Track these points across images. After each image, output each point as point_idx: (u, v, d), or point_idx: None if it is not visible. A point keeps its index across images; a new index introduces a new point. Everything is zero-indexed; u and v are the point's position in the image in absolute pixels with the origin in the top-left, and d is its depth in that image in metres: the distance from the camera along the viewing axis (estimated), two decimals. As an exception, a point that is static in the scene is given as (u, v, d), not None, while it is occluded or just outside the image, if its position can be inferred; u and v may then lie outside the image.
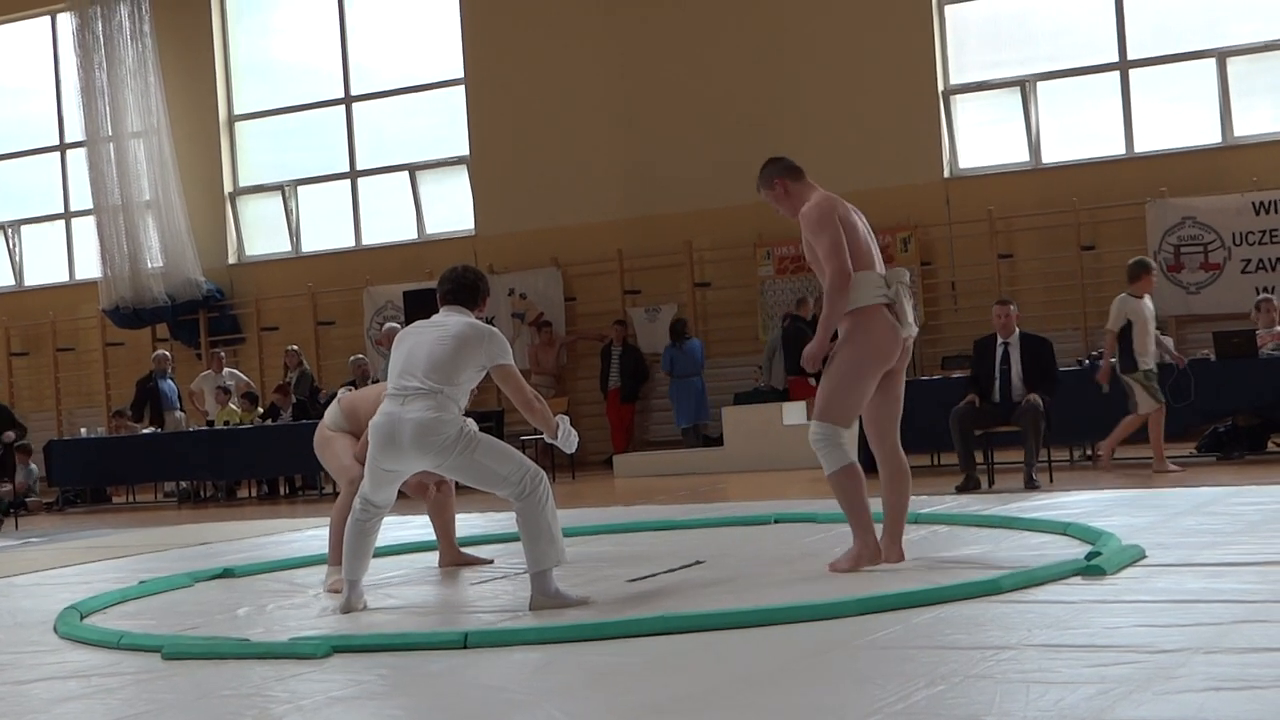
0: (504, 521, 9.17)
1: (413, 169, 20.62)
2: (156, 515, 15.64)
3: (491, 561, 7.80)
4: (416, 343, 6.22)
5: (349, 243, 21.14)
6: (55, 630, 6.37)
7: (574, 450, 6.62)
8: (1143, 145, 17.13)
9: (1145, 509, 8.32)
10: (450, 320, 6.29)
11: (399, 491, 6.46)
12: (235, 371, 19.42)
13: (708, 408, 17.68)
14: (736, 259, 18.50)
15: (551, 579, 6.09)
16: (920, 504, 9.58)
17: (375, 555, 6.66)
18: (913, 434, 13.07)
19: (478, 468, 6.09)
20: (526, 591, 6.15)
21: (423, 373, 6.10)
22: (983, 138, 17.88)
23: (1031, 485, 10.61)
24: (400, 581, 7.37)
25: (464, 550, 7.89)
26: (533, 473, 6.09)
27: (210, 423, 18.06)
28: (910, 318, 6.52)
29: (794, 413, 15.56)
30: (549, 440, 6.45)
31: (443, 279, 6.47)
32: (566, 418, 6.49)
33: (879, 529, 6.63)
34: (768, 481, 13.40)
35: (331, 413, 7.52)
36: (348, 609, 6.34)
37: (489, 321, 6.51)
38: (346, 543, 6.39)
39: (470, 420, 6.24)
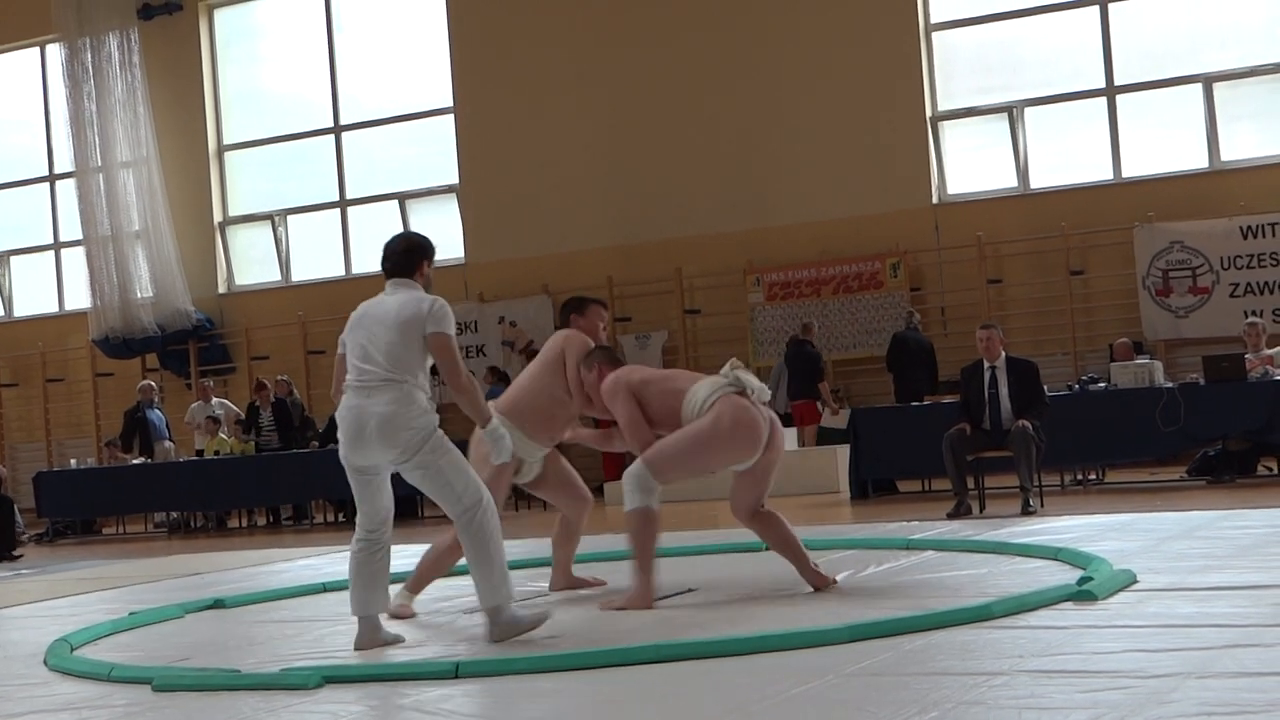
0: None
1: (402, 198, 20.65)
2: (147, 546, 15.59)
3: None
4: (371, 332, 6.02)
5: (339, 272, 21.14)
6: (45, 663, 6.34)
7: (502, 460, 6.25)
8: (1130, 170, 17.20)
9: (1136, 533, 8.33)
10: (393, 300, 6.06)
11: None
12: (225, 401, 19.38)
13: None
14: (726, 286, 18.51)
15: (507, 608, 5.92)
16: (912, 529, 9.60)
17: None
18: (904, 459, 13.28)
19: (438, 475, 5.88)
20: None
21: (384, 362, 5.91)
22: (971, 164, 17.94)
23: (1028, 510, 10.60)
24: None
25: (576, 575, 7.76)
26: (488, 500, 5.92)
27: (200, 452, 18.02)
28: (756, 387, 6.58)
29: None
30: (480, 430, 6.14)
31: (383, 255, 6.25)
32: (499, 422, 6.18)
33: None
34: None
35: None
36: (362, 646, 6.09)
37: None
38: (349, 575, 6.16)
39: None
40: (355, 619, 6.15)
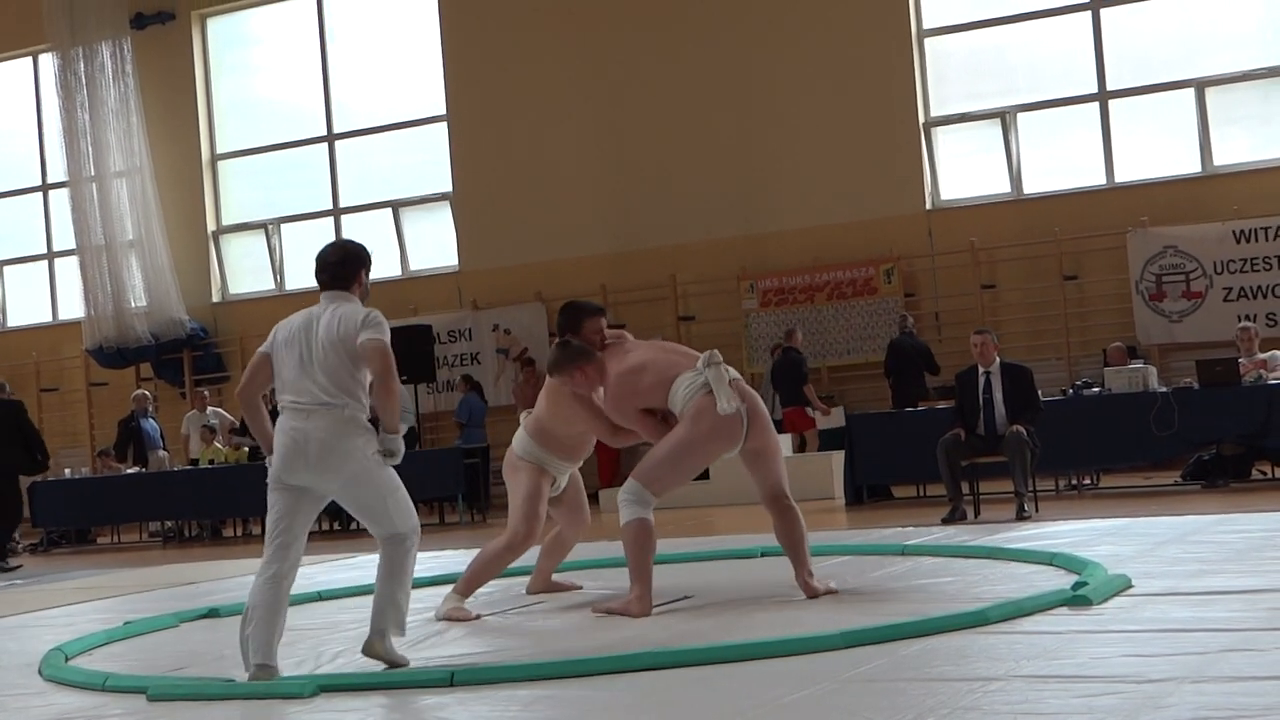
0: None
1: (396, 206, 20.64)
2: (141, 555, 15.56)
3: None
4: (306, 351, 5.69)
5: (333, 280, 21.09)
6: (40, 673, 6.33)
7: (390, 466, 5.82)
8: (1123, 175, 17.22)
9: (1131, 538, 8.33)
10: (329, 315, 5.70)
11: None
12: (220, 410, 19.35)
13: None
14: (720, 292, 18.52)
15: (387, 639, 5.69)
16: (907, 535, 9.60)
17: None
18: (899, 465, 13.28)
19: (375, 489, 5.66)
20: (518, 632, 6.10)
21: (324, 383, 5.62)
22: (964, 169, 17.95)
23: (1023, 515, 10.61)
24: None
25: (555, 579, 7.92)
26: (416, 524, 5.75)
27: (194, 461, 17.99)
28: (724, 396, 6.64)
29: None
30: (383, 435, 5.65)
31: (317, 266, 5.87)
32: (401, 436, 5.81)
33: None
34: (754, 515, 13.33)
35: (520, 440, 7.40)
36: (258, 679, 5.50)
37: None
38: (252, 611, 5.59)
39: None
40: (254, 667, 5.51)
